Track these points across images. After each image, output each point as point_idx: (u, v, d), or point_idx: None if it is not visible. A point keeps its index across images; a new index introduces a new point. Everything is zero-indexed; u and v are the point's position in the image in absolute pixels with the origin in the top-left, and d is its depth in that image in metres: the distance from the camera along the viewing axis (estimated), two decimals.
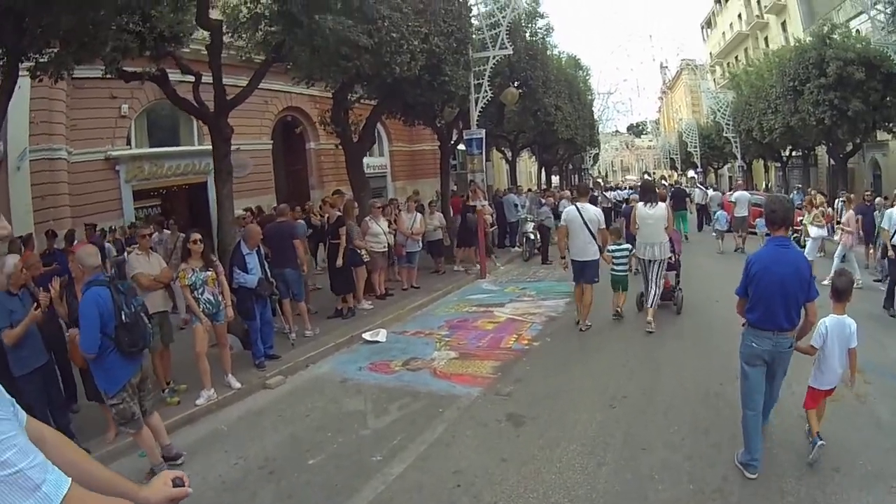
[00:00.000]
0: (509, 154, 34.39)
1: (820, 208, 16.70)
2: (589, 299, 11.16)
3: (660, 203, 11.45)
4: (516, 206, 22.51)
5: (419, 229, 15.62)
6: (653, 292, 11.11)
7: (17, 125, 15.63)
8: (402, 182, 32.58)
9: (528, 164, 59.60)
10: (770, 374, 5.78)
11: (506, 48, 17.74)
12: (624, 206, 23.20)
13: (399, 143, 33.32)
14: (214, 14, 12.69)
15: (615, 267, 11.72)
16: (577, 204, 11.34)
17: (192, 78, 12.23)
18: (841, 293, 5.97)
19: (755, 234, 20.78)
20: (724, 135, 43.35)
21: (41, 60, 9.85)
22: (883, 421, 6.82)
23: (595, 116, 51.73)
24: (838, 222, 17.53)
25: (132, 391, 6.26)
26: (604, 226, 11.32)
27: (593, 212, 11.24)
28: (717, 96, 45.25)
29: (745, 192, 22.97)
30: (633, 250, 11.85)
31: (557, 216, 20.90)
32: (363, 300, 13.44)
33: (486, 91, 17.62)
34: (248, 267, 9.62)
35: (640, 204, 11.54)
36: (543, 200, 22.62)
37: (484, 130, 17.97)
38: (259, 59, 13.08)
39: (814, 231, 15.79)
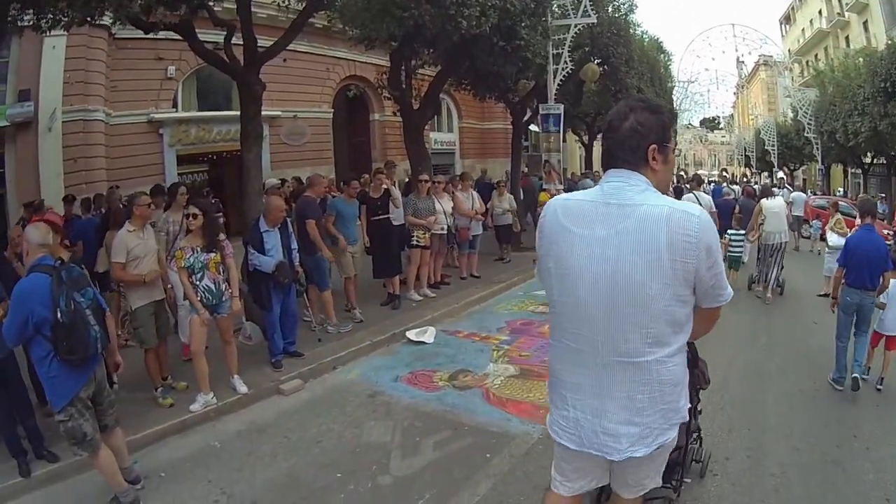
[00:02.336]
0: (586, 138, 32.12)
1: (837, 214, 13.89)
2: None
3: (776, 196, 14.06)
4: None
5: (481, 208, 13.55)
6: (773, 273, 12.52)
7: (50, 86, 14.96)
8: (471, 160, 30.65)
9: (600, 152, 56.11)
10: (858, 322, 7.59)
11: (589, 16, 15.70)
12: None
13: (469, 120, 31.52)
14: None
15: (732, 249, 13.14)
16: (694, 192, 13.57)
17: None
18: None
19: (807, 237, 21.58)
20: (806, 135, 40.15)
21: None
22: None
23: (674, 105, 49.05)
24: None
25: (82, 406, 4.72)
26: (714, 210, 13.15)
27: (707, 198, 13.69)
28: (800, 93, 42.25)
29: (802, 194, 23.70)
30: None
31: None
32: (413, 289, 11.50)
33: (566, 62, 15.55)
34: (265, 247, 7.79)
35: (764, 199, 12.97)
36: None
37: (562, 106, 15.83)
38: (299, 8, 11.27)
39: (832, 239, 12.91)
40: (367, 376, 8.06)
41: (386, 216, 10.68)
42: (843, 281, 7.67)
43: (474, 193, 13.58)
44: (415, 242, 11.22)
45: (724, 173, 55.21)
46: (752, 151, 65.46)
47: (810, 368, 8.23)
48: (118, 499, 4.89)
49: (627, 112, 2.73)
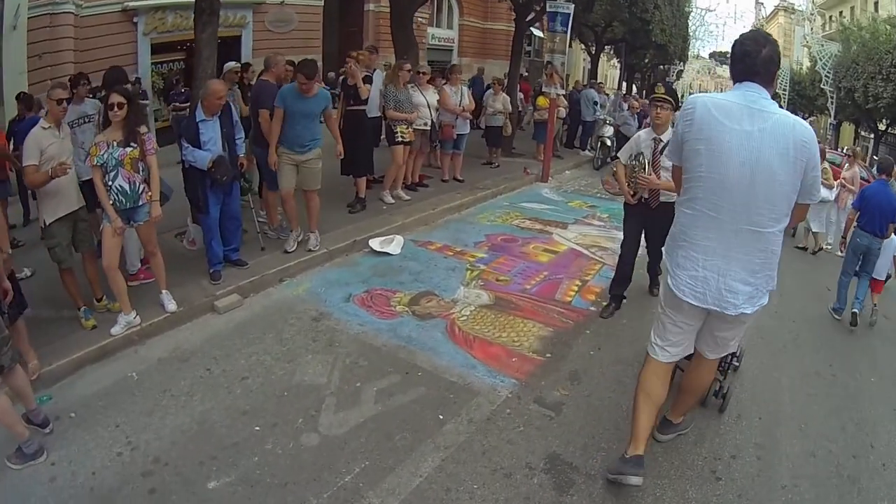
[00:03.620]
0: (593, 48, 30.11)
1: (824, 163, 12.39)
2: None
3: None
4: (595, 103, 18.24)
5: (471, 105, 11.88)
6: None
7: None
8: (468, 59, 28.63)
9: (606, 67, 54.55)
10: (863, 264, 8.06)
11: None
12: None
13: (471, 18, 29.35)
14: None
15: None
16: None
17: None
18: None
19: None
20: (822, 86, 38.30)
21: None
22: None
23: (689, 31, 47.12)
24: None
25: None
26: None
27: None
28: (823, 45, 40.21)
29: None
30: None
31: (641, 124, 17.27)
32: (387, 189, 10.04)
33: None
34: (201, 140, 6.33)
35: None
36: (626, 103, 18.69)
37: (572, 5, 14.07)
38: None
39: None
40: (315, 293, 6.74)
41: (362, 107, 9.18)
42: (854, 224, 8.29)
43: (464, 88, 11.87)
44: (399, 139, 9.64)
45: None
46: None
47: (827, 346, 6.95)
48: (21, 449, 4.04)
49: (764, 42, 3.42)
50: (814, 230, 11.46)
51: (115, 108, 5.25)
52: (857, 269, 8.16)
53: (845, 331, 7.47)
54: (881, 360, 6.78)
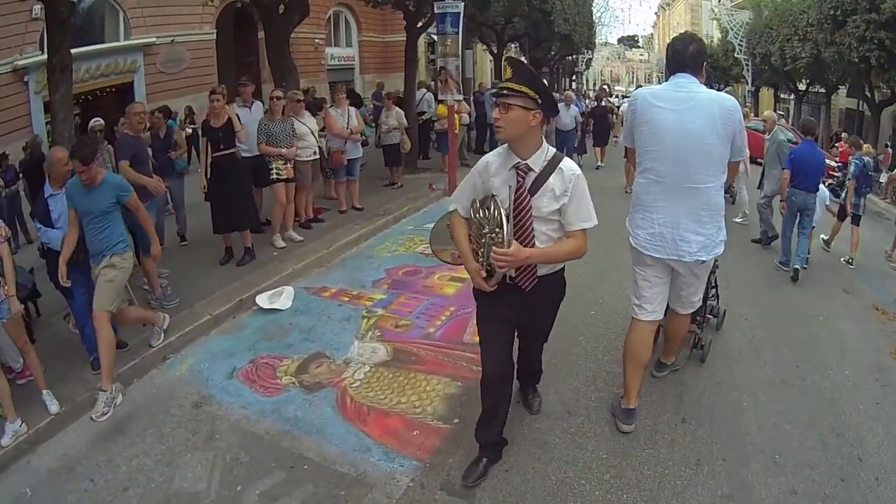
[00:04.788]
0: (495, 48, 29.62)
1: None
2: None
3: None
4: None
5: (359, 127, 10.98)
6: None
7: None
8: (371, 75, 28.26)
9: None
10: (802, 223, 8.75)
11: None
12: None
13: (370, 33, 29.01)
14: None
15: None
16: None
17: None
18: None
19: None
20: (736, 55, 38.97)
21: None
22: None
23: (594, 17, 46.96)
24: None
25: None
26: None
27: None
28: (733, 14, 40.72)
29: None
30: None
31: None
32: (277, 233, 9.15)
33: None
34: (51, 217, 5.58)
35: None
36: None
37: (462, 3, 13.34)
38: None
39: None
40: (198, 371, 5.92)
41: (230, 150, 8.24)
42: (789, 184, 8.71)
43: (351, 110, 10.97)
44: (274, 176, 8.79)
45: (605, 87, 51.50)
46: None
47: (789, 342, 6.30)
48: None
49: (690, 41, 4.24)
50: None
51: None
52: (798, 225, 8.79)
53: (805, 317, 7.02)
54: (851, 346, 6.33)
